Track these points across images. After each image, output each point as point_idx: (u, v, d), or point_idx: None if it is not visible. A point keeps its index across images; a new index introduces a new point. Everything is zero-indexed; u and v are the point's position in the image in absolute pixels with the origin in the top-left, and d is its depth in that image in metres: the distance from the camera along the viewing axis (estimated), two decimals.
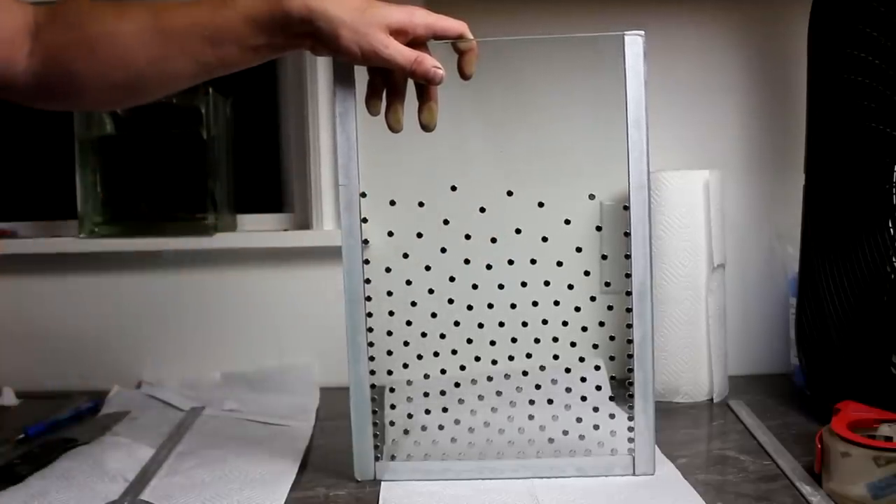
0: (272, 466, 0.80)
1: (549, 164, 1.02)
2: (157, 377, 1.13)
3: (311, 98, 1.13)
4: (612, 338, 0.78)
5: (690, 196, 1.01)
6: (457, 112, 0.78)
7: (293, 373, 1.12)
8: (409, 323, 0.76)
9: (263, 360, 1.15)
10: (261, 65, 0.71)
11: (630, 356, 0.75)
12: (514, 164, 1.02)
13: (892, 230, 0.84)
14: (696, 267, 1.01)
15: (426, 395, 0.78)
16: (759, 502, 0.70)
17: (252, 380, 1.12)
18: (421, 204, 0.75)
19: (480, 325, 0.75)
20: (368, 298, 0.75)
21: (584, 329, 0.75)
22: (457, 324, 0.75)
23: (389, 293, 0.75)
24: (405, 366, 0.77)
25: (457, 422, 0.78)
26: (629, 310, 0.74)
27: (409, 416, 0.79)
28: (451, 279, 0.75)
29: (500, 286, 0.75)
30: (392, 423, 0.81)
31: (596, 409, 0.77)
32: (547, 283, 0.74)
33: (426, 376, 0.77)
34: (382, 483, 0.76)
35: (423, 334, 0.76)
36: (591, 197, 0.84)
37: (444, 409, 0.78)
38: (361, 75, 0.72)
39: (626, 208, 0.73)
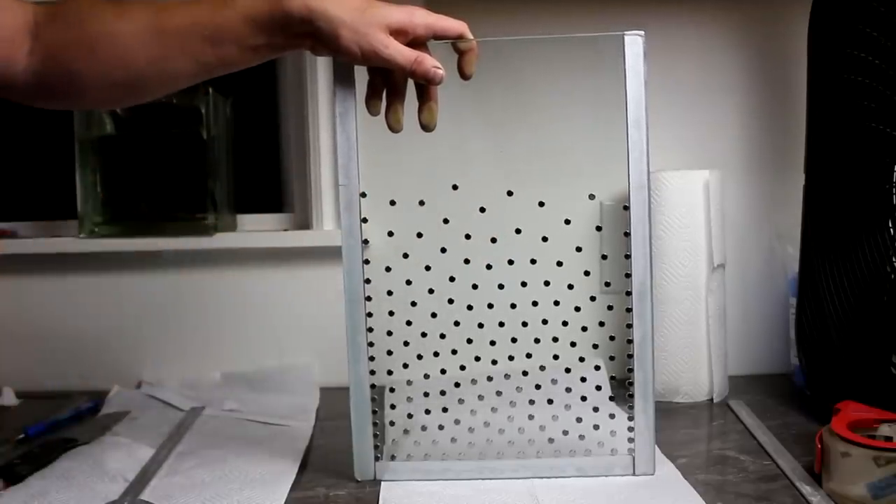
0: (272, 466, 0.80)
1: (549, 164, 1.02)
2: (157, 377, 1.13)
3: (311, 98, 1.13)
4: (612, 338, 0.78)
5: (690, 196, 1.01)
6: (457, 112, 0.78)
7: (293, 373, 1.12)
8: (409, 323, 0.76)
9: (263, 360, 1.15)
10: (261, 65, 0.71)
11: (630, 356, 0.75)
12: (514, 164, 1.02)
13: (892, 230, 0.84)
14: (696, 267, 1.01)
15: (426, 395, 0.78)
16: (759, 502, 0.70)
17: (252, 380, 1.12)
18: (421, 203, 0.75)
19: (480, 325, 0.75)
20: (368, 298, 0.75)
21: (584, 329, 0.75)
22: (457, 324, 0.75)
23: (389, 293, 0.75)
24: (405, 366, 0.77)
25: (457, 422, 0.78)
26: (629, 310, 0.74)
27: (409, 416, 0.79)
28: (451, 279, 0.75)
29: (500, 286, 0.75)
30: (392, 423, 0.81)
31: (596, 409, 0.77)
32: (547, 283, 0.74)
33: (426, 376, 0.77)
34: (382, 483, 0.76)
35: (423, 334, 0.76)
36: (591, 197, 0.84)
37: (444, 409, 0.78)
38: (361, 75, 0.72)
39: (626, 208, 0.73)
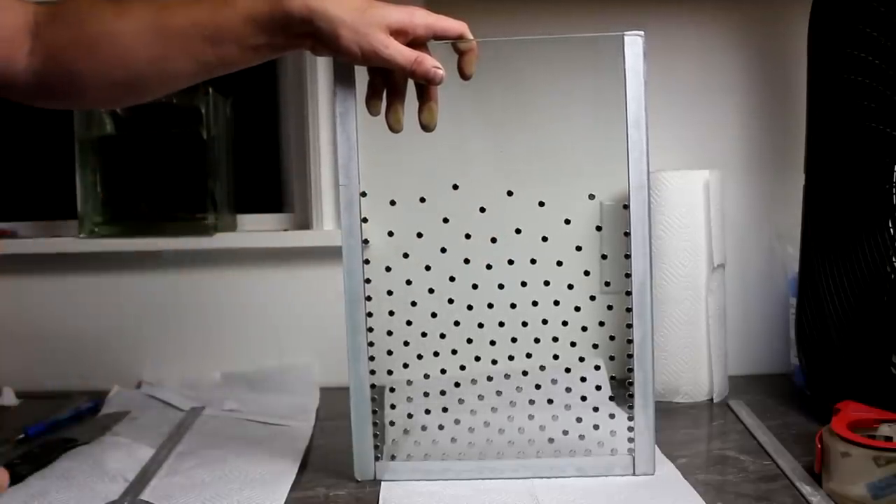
0: (272, 466, 0.80)
1: (549, 164, 1.02)
2: (157, 377, 1.13)
3: (311, 98, 1.13)
4: (612, 338, 0.78)
5: (690, 196, 1.01)
6: (457, 112, 0.78)
7: (293, 373, 1.12)
8: (409, 323, 0.76)
9: (263, 360, 1.15)
10: (261, 65, 0.71)
11: (630, 356, 0.75)
12: (514, 163, 1.02)
13: (892, 230, 0.84)
14: (696, 267, 1.01)
15: (426, 394, 0.78)
16: (759, 502, 0.70)
17: (252, 380, 1.12)
18: (422, 200, 0.75)
19: (480, 325, 0.75)
20: (368, 298, 0.75)
21: (584, 329, 0.75)
22: (457, 324, 0.75)
23: (389, 293, 0.75)
24: (405, 366, 0.77)
25: (457, 422, 0.78)
26: (629, 310, 0.74)
27: (409, 415, 0.79)
28: (452, 279, 0.75)
29: (500, 286, 0.75)
30: (392, 423, 0.81)
31: (596, 409, 0.77)
32: (547, 283, 0.74)
33: (426, 376, 0.77)
34: (382, 483, 0.76)
35: (423, 334, 0.76)
36: (591, 197, 0.84)
37: (444, 409, 0.78)
38: (362, 75, 0.72)
39: (626, 207, 0.73)
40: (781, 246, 1.09)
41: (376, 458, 0.77)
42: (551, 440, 0.78)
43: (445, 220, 0.74)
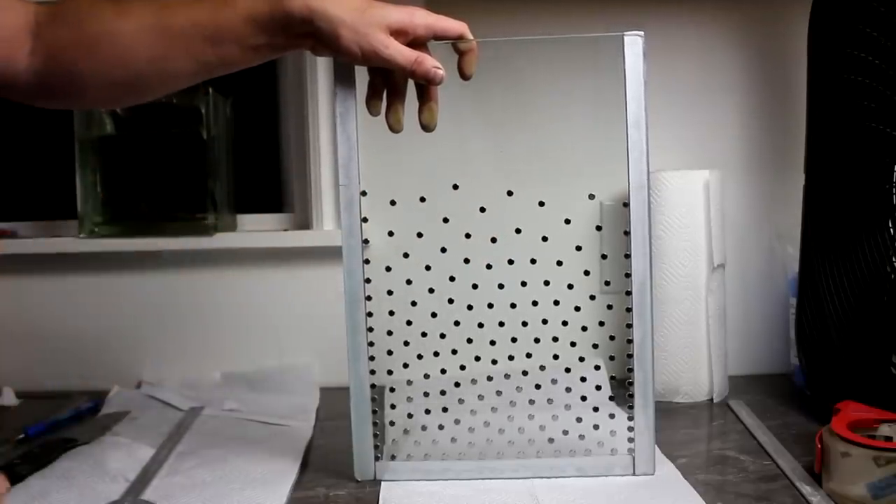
0: (273, 466, 0.79)
1: (549, 164, 1.02)
2: (157, 377, 1.13)
3: (311, 98, 1.13)
4: (612, 337, 0.78)
5: (690, 196, 1.01)
6: (457, 112, 0.78)
7: (293, 373, 1.12)
8: (409, 323, 0.76)
9: (263, 360, 1.14)
10: (261, 65, 0.71)
11: (630, 356, 0.75)
12: (514, 163, 1.02)
13: (892, 230, 0.84)
14: (696, 267, 1.01)
15: (426, 394, 0.78)
16: (759, 502, 0.70)
17: (252, 380, 1.12)
18: (422, 199, 0.75)
19: (480, 325, 0.75)
20: (368, 298, 0.75)
21: (584, 329, 0.75)
22: (457, 323, 0.75)
23: (389, 293, 0.75)
24: (405, 365, 0.77)
25: (457, 422, 0.78)
26: (629, 309, 0.74)
27: (409, 415, 0.79)
28: (452, 279, 0.75)
29: (500, 286, 0.75)
30: (392, 423, 0.81)
31: (596, 409, 0.77)
32: (547, 283, 0.74)
33: (426, 376, 0.77)
34: (382, 483, 0.76)
35: (424, 334, 0.76)
36: (591, 197, 0.84)
37: (444, 409, 0.78)
38: (362, 76, 0.72)
39: (626, 205, 0.73)
40: (781, 246, 1.09)
41: (376, 458, 0.77)
42: (551, 440, 0.78)
43: (445, 220, 0.74)
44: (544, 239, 0.75)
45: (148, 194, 1.16)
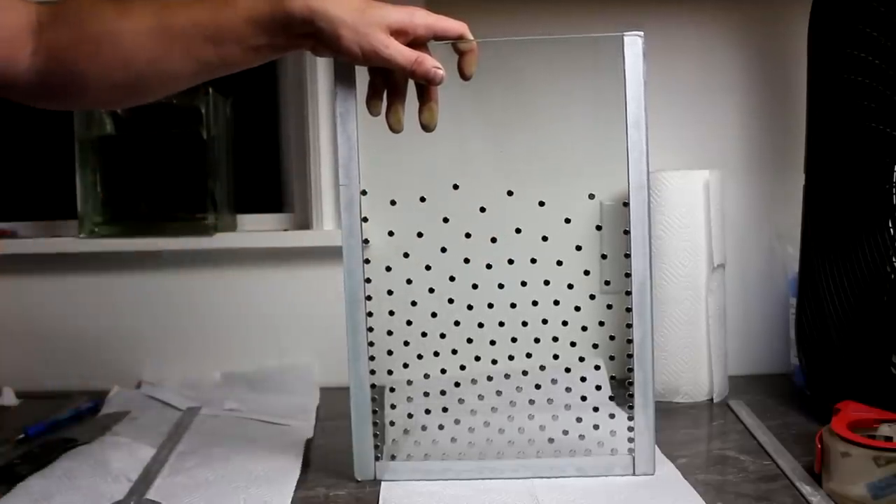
0: (274, 464, 0.79)
1: (549, 164, 1.02)
2: (157, 377, 1.13)
3: (311, 98, 1.13)
4: (612, 337, 0.78)
5: (690, 196, 1.01)
6: (457, 112, 0.78)
7: (293, 373, 1.12)
8: (409, 322, 0.76)
9: (263, 360, 1.15)
10: (261, 65, 0.71)
11: (630, 356, 0.75)
12: (514, 163, 1.02)
13: (892, 230, 0.84)
14: (696, 267, 1.01)
15: (426, 394, 0.78)
16: (759, 502, 0.70)
17: (252, 380, 1.12)
18: (422, 199, 0.75)
19: (480, 325, 0.75)
20: (368, 298, 0.75)
21: (584, 329, 0.75)
22: (457, 323, 0.75)
23: (390, 293, 0.75)
24: (405, 365, 0.77)
25: (457, 422, 0.78)
26: (629, 309, 0.74)
27: (410, 415, 0.79)
28: (452, 279, 0.75)
29: (500, 286, 0.75)
30: (392, 423, 0.81)
31: (596, 409, 0.77)
32: (547, 283, 0.74)
33: (426, 376, 0.77)
34: (382, 483, 0.76)
35: (424, 334, 0.76)
36: (591, 196, 0.84)
37: (444, 409, 0.78)
38: (362, 76, 0.72)
39: (626, 204, 0.73)
40: (781, 246, 1.09)
41: (376, 458, 0.77)
42: (551, 440, 0.78)
43: (445, 220, 0.74)
44: (544, 239, 0.75)
45: (148, 194, 1.16)
